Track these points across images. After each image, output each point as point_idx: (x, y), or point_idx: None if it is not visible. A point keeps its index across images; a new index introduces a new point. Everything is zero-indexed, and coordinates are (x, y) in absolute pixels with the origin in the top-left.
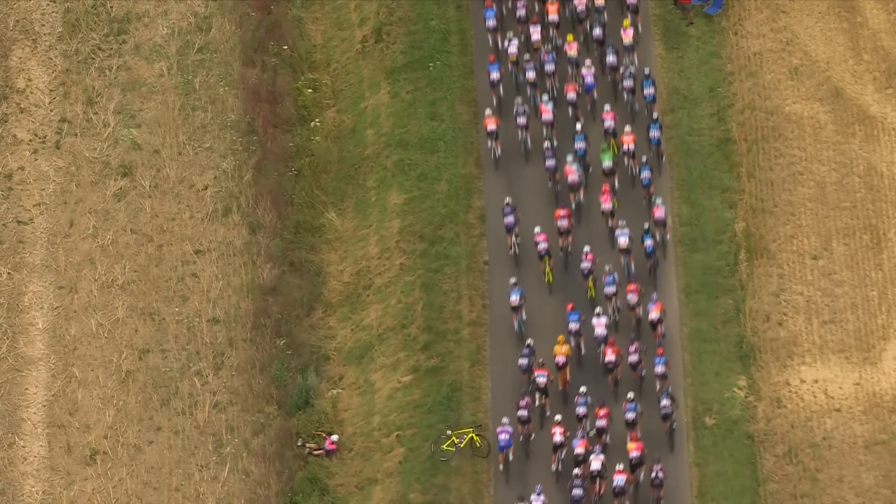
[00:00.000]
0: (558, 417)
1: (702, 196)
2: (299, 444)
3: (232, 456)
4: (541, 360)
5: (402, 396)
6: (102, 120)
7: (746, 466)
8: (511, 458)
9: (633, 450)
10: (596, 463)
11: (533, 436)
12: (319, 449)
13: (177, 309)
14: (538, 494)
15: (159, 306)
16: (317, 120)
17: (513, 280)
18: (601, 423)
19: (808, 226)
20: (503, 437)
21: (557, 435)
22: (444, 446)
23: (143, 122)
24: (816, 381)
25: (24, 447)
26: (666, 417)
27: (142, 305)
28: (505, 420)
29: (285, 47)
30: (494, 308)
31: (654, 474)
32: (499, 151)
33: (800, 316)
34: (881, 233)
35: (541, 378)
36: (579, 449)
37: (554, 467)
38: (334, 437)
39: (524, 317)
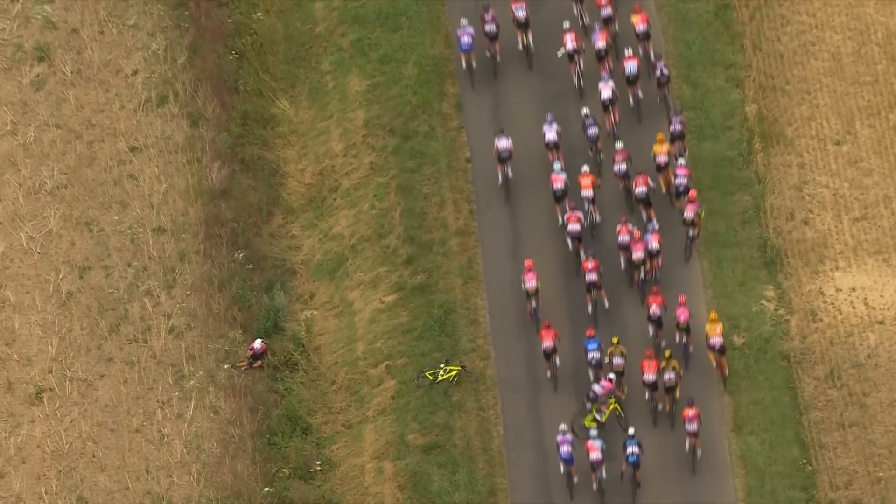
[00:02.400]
0: (566, 24)
1: (704, 74)
2: (227, 367)
3: (197, 390)
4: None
5: (387, 319)
6: None
7: (785, 392)
8: (475, 64)
9: (639, 23)
10: (606, 91)
11: (499, 58)
12: (253, 358)
13: (116, 217)
14: (550, 123)
15: (96, 214)
16: None
17: None
18: (606, 11)
19: (827, 105)
20: (465, 39)
21: (570, 43)
22: (428, 373)
23: None
24: (854, 290)
25: None
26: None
27: (76, 214)
28: (464, 21)
29: None
30: (483, 214)
31: (658, 72)
32: None
33: (827, 212)
34: None
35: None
36: (600, 43)
37: (575, 81)
38: (257, 343)
39: None
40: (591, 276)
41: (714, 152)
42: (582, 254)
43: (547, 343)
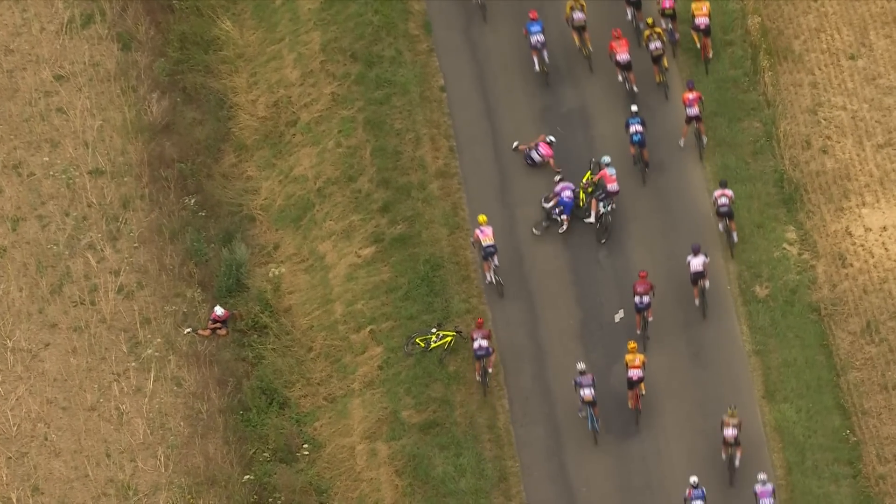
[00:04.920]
0: None
1: None
2: (187, 331)
3: (156, 359)
4: None
5: (366, 276)
6: None
7: (818, 351)
8: None
9: None
10: None
11: None
12: (216, 325)
13: (46, 159)
14: None
15: (24, 156)
16: None
17: None
18: None
19: (836, 14)
20: None
21: None
22: (418, 339)
23: None
24: (885, 229)
25: None
26: None
27: (2, 156)
28: None
29: None
30: (465, 151)
31: None
32: None
33: (847, 139)
34: None
35: None
36: None
37: None
38: (218, 310)
39: None
40: None
41: (716, 72)
42: None
43: None
